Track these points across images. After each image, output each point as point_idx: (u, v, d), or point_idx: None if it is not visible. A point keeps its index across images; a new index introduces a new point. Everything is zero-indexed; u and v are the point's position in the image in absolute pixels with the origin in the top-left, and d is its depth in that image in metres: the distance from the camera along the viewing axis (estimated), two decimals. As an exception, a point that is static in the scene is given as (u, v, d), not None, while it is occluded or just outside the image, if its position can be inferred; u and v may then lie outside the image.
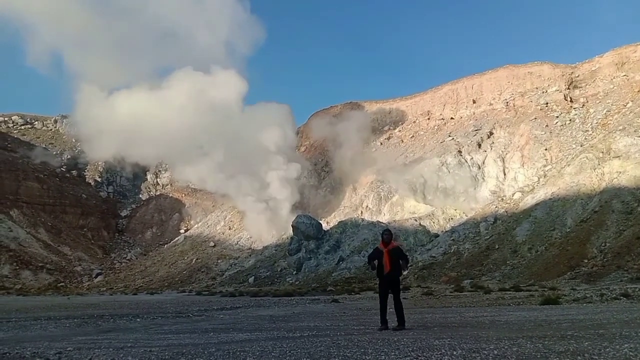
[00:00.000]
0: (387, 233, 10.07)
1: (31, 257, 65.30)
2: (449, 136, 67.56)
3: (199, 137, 79.44)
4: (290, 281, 49.21)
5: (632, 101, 53.91)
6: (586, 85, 63.27)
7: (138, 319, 15.91)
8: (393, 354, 6.46)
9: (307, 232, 54.10)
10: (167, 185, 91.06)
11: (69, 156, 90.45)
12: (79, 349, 8.05)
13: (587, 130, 54.73)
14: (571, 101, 61.87)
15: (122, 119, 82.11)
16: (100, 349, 8.01)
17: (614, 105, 55.94)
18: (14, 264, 62.54)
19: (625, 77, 59.43)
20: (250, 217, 69.84)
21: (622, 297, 18.01)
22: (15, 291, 53.38)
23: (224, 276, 56.93)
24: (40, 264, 64.79)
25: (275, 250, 59.24)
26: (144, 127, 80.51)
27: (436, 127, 74.68)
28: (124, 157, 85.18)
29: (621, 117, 51.12)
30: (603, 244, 34.04)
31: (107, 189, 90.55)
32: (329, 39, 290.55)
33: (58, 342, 9.34)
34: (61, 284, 61.85)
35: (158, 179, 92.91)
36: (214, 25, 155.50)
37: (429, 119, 77.97)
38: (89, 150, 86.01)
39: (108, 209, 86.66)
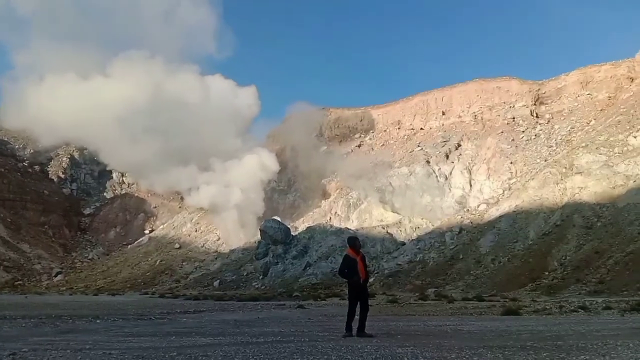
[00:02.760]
0: (357, 240, 10.18)
1: (-13, 254, 63.06)
2: (418, 146, 68.46)
3: (160, 135, 77.63)
4: (257, 286, 48.86)
5: (594, 119, 55.76)
6: (552, 102, 65.14)
7: (98, 321, 15.56)
8: (356, 361, 6.49)
9: (275, 236, 53.88)
10: (133, 184, 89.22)
11: (31, 150, 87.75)
12: (34, 350, 7.82)
13: (551, 146, 56.27)
14: (537, 117, 63.59)
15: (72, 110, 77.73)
16: (57, 350, 7.80)
17: (577, 122, 57.76)
18: (-31, 260, 60.31)
19: (589, 95, 61.44)
20: (219, 219, 69.14)
21: (580, 310, 18.57)
22: (-31, 289, 51.56)
23: (189, 279, 56.13)
24: (-3, 261, 62.61)
25: (242, 254, 58.74)
26: (95, 121, 76.98)
27: (406, 137, 75.57)
28: (88, 153, 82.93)
29: (584, 134, 52.82)
30: (563, 257, 34.99)
31: (71, 185, 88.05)
32: (302, 45, 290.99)
33: (12, 342, 9.03)
34: (19, 282, 59.90)
35: (124, 178, 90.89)
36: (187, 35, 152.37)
37: (399, 128, 78.84)
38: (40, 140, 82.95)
39: (71, 206, 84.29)
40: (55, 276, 64.74)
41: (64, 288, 57.56)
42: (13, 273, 62.24)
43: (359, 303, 9.78)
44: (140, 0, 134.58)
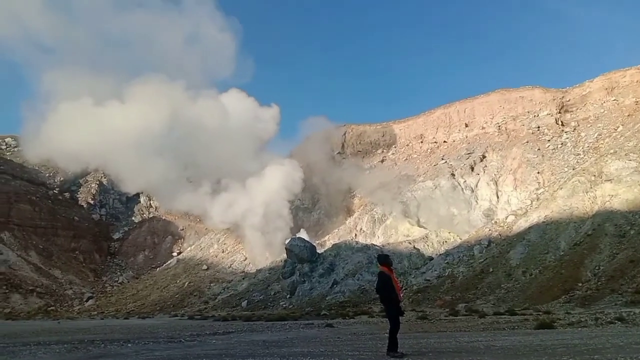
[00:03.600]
0: (388, 257, 10.13)
1: (21, 281, 64.41)
2: (442, 159, 68.01)
3: (180, 157, 78.41)
4: (284, 305, 48.72)
5: (622, 125, 54.62)
6: (577, 109, 64.13)
7: (129, 344, 15.71)
8: (388, 381, 6.40)
9: (301, 254, 53.80)
10: (160, 207, 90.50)
11: (61, 178, 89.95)
12: (68, 376, 7.92)
13: (578, 154, 55.25)
14: (562, 125, 62.62)
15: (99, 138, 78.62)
16: (91, 376, 7.89)
17: (604, 129, 56.66)
18: (4, 287, 61.62)
19: (615, 101, 60.34)
20: (245, 240, 69.45)
21: (616, 321, 17.96)
22: (4, 315, 52.59)
23: (217, 300, 56.30)
24: (30, 288, 63.88)
25: (269, 273, 58.76)
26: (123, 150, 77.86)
27: (429, 150, 75.22)
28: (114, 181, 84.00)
29: (612, 140, 51.74)
30: (597, 268, 34.05)
31: (100, 211, 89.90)
32: (320, 64, 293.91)
33: (47, 369, 9.19)
34: (51, 307, 60.93)
35: (151, 202, 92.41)
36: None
37: (422, 142, 78.56)
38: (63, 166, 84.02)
39: (100, 231, 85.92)
40: (87, 301, 65.72)
41: (95, 312, 58.34)
42: (46, 299, 63.41)
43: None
44: (160, 27, 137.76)
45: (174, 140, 79.39)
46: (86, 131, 78.21)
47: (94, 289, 71.16)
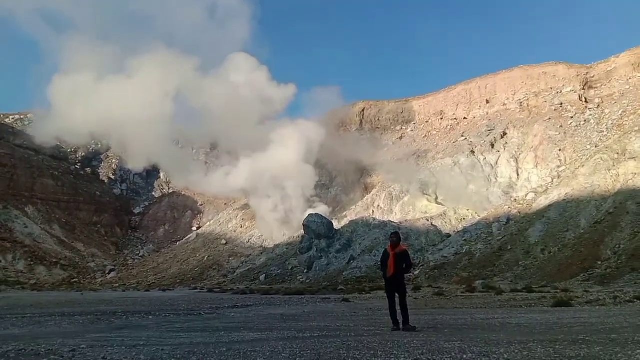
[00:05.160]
0: (395, 236, 10.31)
1: (45, 253, 66.16)
2: (462, 136, 67.23)
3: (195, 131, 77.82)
4: (301, 280, 49.29)
5: (648, 102, 53.24)
6: (601, 85, 62.48)
7: (150, 317, 16.07)
8: (403, 356, 6.49)
9: (318, 230, 54.14)
10: (173, 182, 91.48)
11: (82, 154, 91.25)
12: (92, 346, 8.18)
13: (602, 131, 54.09)
14: (586, 102, 61.18)
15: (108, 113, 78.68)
16: (113, 347, 8.13)
17: (629, 106, 55.20)
18: (29, 259, 63.39)
19: (641, 77, 58.64)
20: (262, 216, 69.85)
21: (635, 300, 17.81)
22: (30, 286, 54.10)
23: (236, 274, 57.17)
24: (54, 260, 65.60)
25: (287, 248, 59.34)
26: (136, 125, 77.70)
27: (449, 127, 74.34)
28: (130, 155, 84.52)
29: (637, 118, 50.46)
30: (617, 246, 33.65)
31: (121, 186, 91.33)
32: (339, 40, 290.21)
33: (71, 339, 9.48)
34: (75, 279, 62.54)
35: (169, 178, 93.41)
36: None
37: (441, 118, 77.62)
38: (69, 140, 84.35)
39: (121, 206, 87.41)
40: (109, 273, 67.28)
41: (117, 285, 59.70)
42: (69, 271, 65.09)
43: (397, 297, 10.00)
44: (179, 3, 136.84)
45: (183, 115, 79.67)
46: (104, 105, 78.79)
47: (115, 262, 72.75)
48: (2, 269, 59.75)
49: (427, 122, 79.94)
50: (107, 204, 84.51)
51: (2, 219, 67.50)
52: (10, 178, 73.53)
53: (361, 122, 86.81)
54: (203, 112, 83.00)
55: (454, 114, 75.94)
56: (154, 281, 60.72)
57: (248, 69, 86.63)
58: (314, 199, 71.48)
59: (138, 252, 78.29)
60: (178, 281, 58.71)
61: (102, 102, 79.39)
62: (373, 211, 62.36)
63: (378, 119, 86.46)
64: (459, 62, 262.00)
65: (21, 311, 19.19)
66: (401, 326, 9.75)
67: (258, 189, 70.38)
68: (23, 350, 7.68)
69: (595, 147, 50.75)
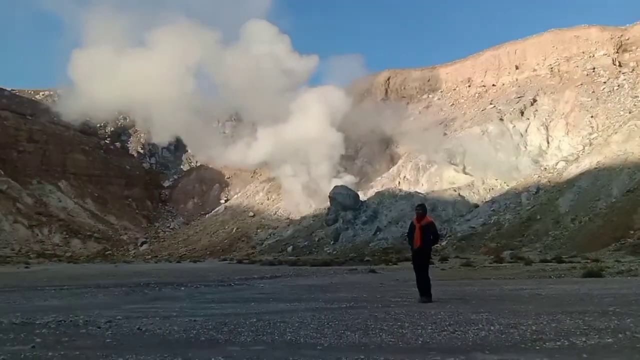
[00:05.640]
0: (420, 208, 10.28)
1: (79, 227, 68.14)
2: (491, 104, 65.78)
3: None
4: (328, 251, 49.74)
5: (687, 65, 51.11)
6: (637, 48, 60.10)
7: (182, 288, 16.50)
8: (430, 327, 6.55)
9: (344, 202, 54.30)
10: (196, 157, 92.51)
11: (112, 128, 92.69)
12: (127, 317, 8.48)
13: (636, 97, 52.29)
14: (620, 66, 59.02)
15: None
16: (148, 317, 8.41)
17: (667, 69, 53.16)
18: (64, 232, 65.44)
19: (680, 38, 56.19)
20: (288, 187, 70.09)
21: (669, 270, 17.48)
22: (66, 259, 55.91)
23: (264, 245, 58.02)
24: (88, 233, 67.55)
25: (313, 220, 59.79)
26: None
27: (477, 95, 72.80)
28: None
29: (675, 81, 48.62)
30: (651, 215, 32.92)
31: (150, 160, 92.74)
32: (363, 6, 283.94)
33: (108, 310, 9.84)
34: (109, 252, 64.38)
35: (194, 150, 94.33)
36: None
37: (469, 86, 76.01)
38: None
39: (151, 179, 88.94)
40: (141, 245, 69.03)
41: (149, 256, 61.23)
42: (103, 243, 67.01)
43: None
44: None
45: (206, 88, 79.52)
46: (119, 81, 78.57)
47: (147, 235, 74.51)
48: (39, 242, 61.89)
49: (454, 90, 78.40)
50: (137, 178, 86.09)
51: (37, 193, 69.54)
52: (43, 154, 75.35)
53: (386, 92, 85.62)
54: (224, 84, 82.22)
55: (482, 81, 74.26)
56: (184, 253, 62.11)
57: (269, 39, 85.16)
58: (340, 169, 71.28)
59: (168, 225, 79.93)
60: (208, 253, 59.91)
61: (123, 77, 78.70)
62: (399, 182, 61.99)
63: (404, 88, 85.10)
64: (487, 27, 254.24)
65: (59, 283, 19.90)
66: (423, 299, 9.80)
67: (282, 160, 70.55)
68: (62, 322, 8.01)
69: (629, 113, 49.17)
